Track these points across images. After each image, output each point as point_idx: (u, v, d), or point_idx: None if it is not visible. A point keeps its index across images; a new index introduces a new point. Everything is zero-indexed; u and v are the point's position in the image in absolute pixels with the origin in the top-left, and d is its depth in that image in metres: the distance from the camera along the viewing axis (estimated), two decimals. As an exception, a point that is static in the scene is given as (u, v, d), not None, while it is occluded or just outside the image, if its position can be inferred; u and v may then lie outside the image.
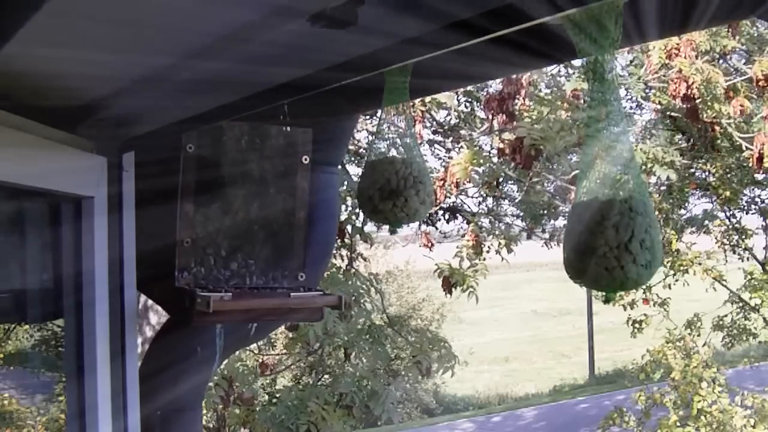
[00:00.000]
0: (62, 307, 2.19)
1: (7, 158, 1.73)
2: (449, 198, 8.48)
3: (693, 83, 6.61)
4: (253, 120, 2.10)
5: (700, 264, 8.90)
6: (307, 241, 2.24)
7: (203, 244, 2.12)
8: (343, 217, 6.64)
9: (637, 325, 10.62)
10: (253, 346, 8.12)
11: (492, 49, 1.26)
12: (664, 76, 7.05)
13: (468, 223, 8.90)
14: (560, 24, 1.14)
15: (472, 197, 9.85)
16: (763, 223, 12.23)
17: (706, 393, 8.39)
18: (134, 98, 1.73)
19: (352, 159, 8.18)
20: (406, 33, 1.23)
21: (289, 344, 7.07)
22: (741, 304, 11.65)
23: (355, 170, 7.79)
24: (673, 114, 8.42)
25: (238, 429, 6.57)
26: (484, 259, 7.70)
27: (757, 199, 12.10)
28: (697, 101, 6.85)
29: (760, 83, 6.60)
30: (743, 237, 11.48)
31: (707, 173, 9.98)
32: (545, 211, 10.23)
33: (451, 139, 8.91)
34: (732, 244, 11.50)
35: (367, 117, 6.94)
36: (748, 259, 11.67)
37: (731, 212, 11.51)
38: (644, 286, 8.58)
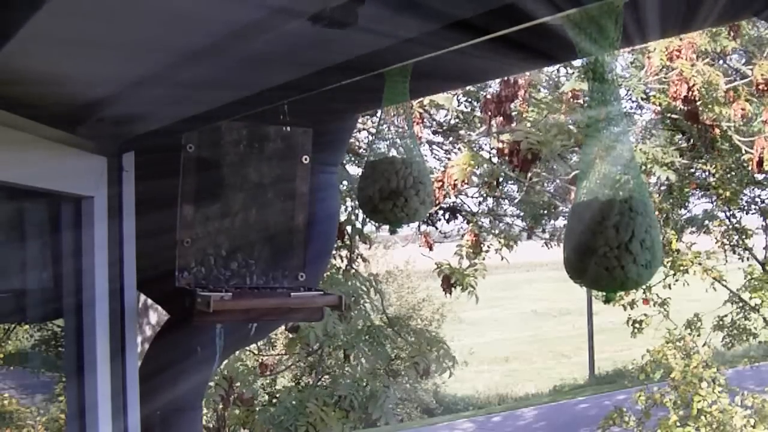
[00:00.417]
0: (62, 307, 2.19)
1: (7, 158, 1.73)
2: (449, 198, 8.47)
3: (694, 85, 6.61)
4: (253, 120, 2.10)
5: (700, 264, 8.88)
6: (307, 240, 2.24)
7: (203, 244, 2.12)
8: (343, 217, 6.63)
9: (637, 325, 10.60)
10: (253, 346, 8.13)
11: (492, 49, 1.26)
12: (665, 77, 7.04)
13: (468, 223, 8.90)
14: (560, 24, 1.14)
15: (471, 197, 9.86)
16: (763, 223, 12.23)
17: (706, 393, 8.38)
18: (134, 98, 1.73)
19: (352, 159, 8.17)
20: (406, 33, 1.23)
21: (289, 345, 7.06)
22: (741, 304, 11.64)
23: (355, 170, 7.79)
24: (673, 115, 8.41)
25: (238, 429, 6.58)
26: (484, 259, 7.71)
27: (757, 199, 12.11)
28: (698, 103, 6.85)
29: (760, 87, 6.60)
30: (743, 237, 11.47)
31: (707, 173, 9.96)
32: (545, 211, 10.22)
33: (450, 139, 8.91)
34: (732, 244, 11.49)
35: (367, 117, 6.93)
36: (748, 259, 11.65)
37: (731, 212, 11.50)
38: (644, 286, 8.57)
